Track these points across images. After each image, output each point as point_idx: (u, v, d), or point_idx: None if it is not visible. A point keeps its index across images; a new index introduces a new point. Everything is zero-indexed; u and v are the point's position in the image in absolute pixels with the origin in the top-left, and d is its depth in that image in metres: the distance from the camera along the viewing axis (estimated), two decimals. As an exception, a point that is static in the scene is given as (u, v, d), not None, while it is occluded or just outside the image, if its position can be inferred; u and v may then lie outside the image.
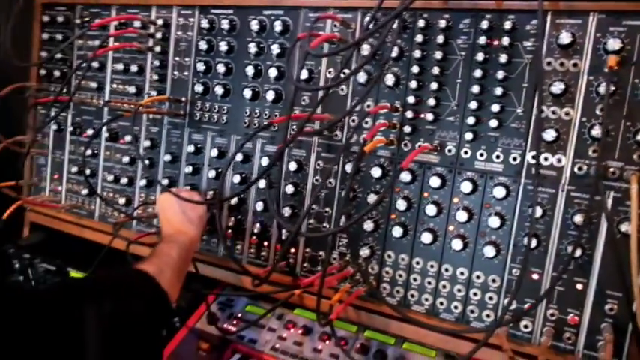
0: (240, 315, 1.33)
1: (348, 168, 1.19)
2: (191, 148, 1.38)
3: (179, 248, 1.10)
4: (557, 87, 0.99)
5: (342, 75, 1.13)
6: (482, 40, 1.05)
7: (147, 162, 1.45)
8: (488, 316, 1.09)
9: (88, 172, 1.54)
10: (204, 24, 1.35)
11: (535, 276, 1.04)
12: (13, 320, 0.76)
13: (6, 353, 0.74)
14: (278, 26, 1.25)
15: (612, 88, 0.95)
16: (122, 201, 1.49)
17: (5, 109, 1.49)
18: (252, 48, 1.29)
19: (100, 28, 1.46)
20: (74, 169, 1.59)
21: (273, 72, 1.26)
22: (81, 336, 0.79)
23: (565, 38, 0.98)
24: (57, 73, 1.58)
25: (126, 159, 1.48)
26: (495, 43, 1.04)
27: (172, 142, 1.43)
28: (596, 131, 0.96)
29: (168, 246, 1.10)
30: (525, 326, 1.05)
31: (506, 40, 1.03)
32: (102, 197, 1.49)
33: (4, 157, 1.52)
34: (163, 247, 1.10)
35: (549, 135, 1.00)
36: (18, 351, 0.75)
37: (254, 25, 1.27)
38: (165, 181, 1.42)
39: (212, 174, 1.35)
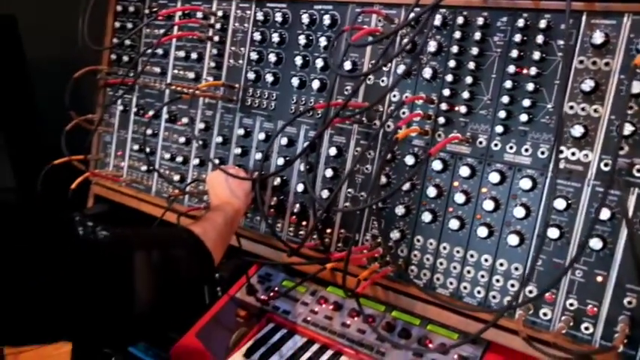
0: (277, 289, 1.43)
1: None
2: (241, 132, 1.49)
3: (224, 216, 1.20)
4: (588, 84, 1.03)
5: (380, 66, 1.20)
6: (517, 37, 1.10)
7: (201, 142, 1.57)
8: (509, 302, 1.13)
9: (147, 149, 1.68)
10: (260, 16, 1.45)
11: (557, 267, 1.08)
12: (78, 263, 0.88)
13: (69, 292, 0.86)
14: (327, 20, 1.34)
15: (642, 87, 0.98)
16: (176, 177, 1.62)
17: (79, 89, 1.65)
18: (302, 40, 1.38)
19: (166, 18, 1.59)
20: (136, 147, 1.74)
21: (319, 63, 1.35)
22: (131, 278, 0.90)
23: (598, 38, 1.02)
24: (125, 58, 1.73)
25: (182, 139, 1.61)
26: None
27: (224, 125, 1.54)
28: (625, 129, 0.99)
29: (215, 213, 1.21)
30: (545, 314, 1.09)
31: (540, 38, 1.07)
32: (159, 172, 1.61)
33: (75, 132, 1.68)
34: (210, 214, 1.21)
35: (577, 131, 1.04)
36: (80, 289, 0.87)
37: (305, 19, 1.37)
38: (216, 161, 1.53)
39: (259, 156, 1.46)
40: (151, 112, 1.67)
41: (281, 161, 1.42)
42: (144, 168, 1.71)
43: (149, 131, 1.68)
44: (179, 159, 1.62)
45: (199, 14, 1.54)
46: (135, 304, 0.92)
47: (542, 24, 1.08)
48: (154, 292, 0.93)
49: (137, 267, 0.93)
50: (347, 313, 1.32)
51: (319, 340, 1.29)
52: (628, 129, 0.99)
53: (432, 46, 1.19)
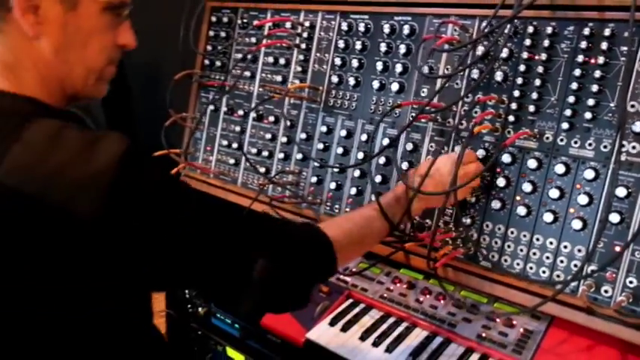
0: (354, 269, 1.59)
1: (457, 149, 1.41)
2: (324, 129, 1.67)
3: (381, 224, 1.26)
4: (648, 86, 1.16)
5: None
6: (583, 44, 1.24)
7: (285, 139, 1.75)
8: (572, 276, 1.25)
9: (236, 145, 1.88)
10: (344, 26, 1.63)
11: (617, 248, 1.20)
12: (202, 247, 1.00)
13: (190, 271, 1.00)
14: (406, 30, 1.50)
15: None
16: (262, 170, 1.81)
17: (177, 90, 1.87)
18: (383, 47, 1.55)
19: (256, 27, 1.79)
20: (224, 143, 1.93)
21: (398, 68, 1.52)
22: (250, 270, 1.01)
23: (658, 44, 1.15)
24: (217, 63, 1.94)
25: (268, 135, 1.80)
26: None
27: (308, 123, 1.72)
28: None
29: (380, 221, 1.26)
30: (606, 291, 1.21)
31: (604, 45, 1.21)
32: (251, 162, 1.74)
33: (171, 128, 1.89)
34: (375, 217, 1.26)
35: (638, 127, 1.16)
36: (201, 271, 1.00)
37: (386, 28, 1.54)
38: (299, 155, 1.71)
39: (340, 150, 1.63)
40: (240, 112, 1.87)
41: (361, 155, 1.58)
42: (231, 161, 1.91)
43: (237, 128, 1.88)
44: (265, 153, 1.81)
45: (288, 24, 1.73)
46: (252, 276, 1.02)
47: (607, 32, 1.21)
48: (265, 288, 1.04)
49: (258, 262, 1.02)
50: (419, 291, 1.47)
51: (395, 314, 1.45)
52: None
53: (504, 52, 1.34)
